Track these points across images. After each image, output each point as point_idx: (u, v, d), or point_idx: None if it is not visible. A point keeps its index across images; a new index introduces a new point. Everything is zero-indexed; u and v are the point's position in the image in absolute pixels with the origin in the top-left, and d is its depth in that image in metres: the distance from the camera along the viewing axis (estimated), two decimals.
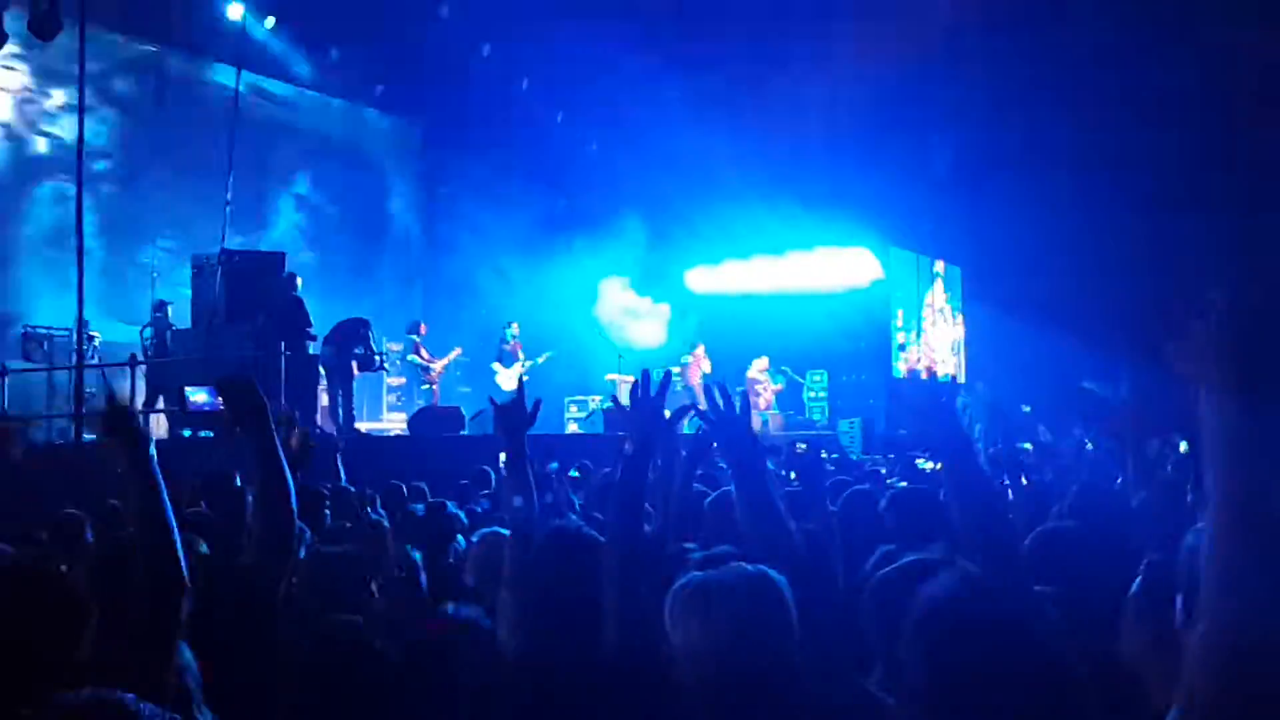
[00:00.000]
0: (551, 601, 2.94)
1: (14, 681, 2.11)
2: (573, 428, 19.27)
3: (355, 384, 14.64)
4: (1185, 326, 1.64)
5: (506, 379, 18.32)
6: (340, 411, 14.04)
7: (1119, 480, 6.78)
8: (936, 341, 24.98)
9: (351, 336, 14.46)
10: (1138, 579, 2.47)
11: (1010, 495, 6.31)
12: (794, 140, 21.18)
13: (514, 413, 3.63)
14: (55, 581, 2.34)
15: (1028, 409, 18.29)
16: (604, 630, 2.61)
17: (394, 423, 18.40)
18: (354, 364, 14.39)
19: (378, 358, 14.96)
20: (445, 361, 18.27)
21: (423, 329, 18.06)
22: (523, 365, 18.54)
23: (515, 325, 18.92)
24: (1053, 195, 22.24)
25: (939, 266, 25.46)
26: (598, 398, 20.00)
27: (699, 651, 2.23)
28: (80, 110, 12.61)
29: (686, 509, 4.46)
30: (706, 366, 20.71)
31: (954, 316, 25.90)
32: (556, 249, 21.00)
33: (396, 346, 18.24)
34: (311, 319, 13.67)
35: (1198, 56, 19.51)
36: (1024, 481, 7.33)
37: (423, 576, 4.16)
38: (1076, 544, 3.28)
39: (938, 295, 25.48)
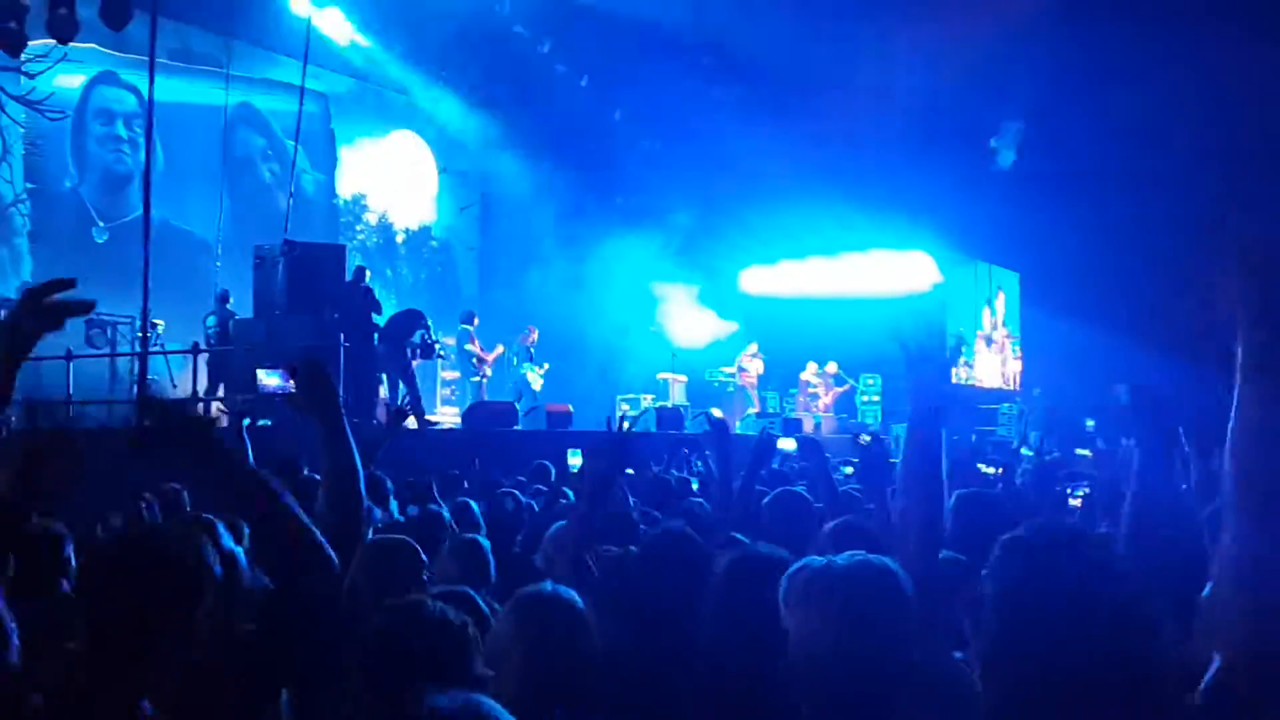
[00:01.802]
0: (653, 598, 3.00)
1: (133, 647, 2.18)
2: (625, 426, 19.25)
3: (413, 376, 14.86)
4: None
5: (534, 380, 18.66)
6: (407, 402, 14.29)
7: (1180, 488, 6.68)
8: (985, 370, 24.85)
9: (406, 328, 14.65)
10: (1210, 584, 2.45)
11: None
12: (854, 141, 21.11)
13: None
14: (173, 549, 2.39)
15: (1091, 423, 18.03)
16: (703, 629, 2.62)
17: (447, 416, 18.51)
18: (409, 353, 14.58)
19: (436, 345, 15.18)
20: (494, 356, 18.38)
21: (475, 320, 18.17)
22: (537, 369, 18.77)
23: (534, 332, 19.08)
24: (1115, 201, 22.02)
25: (999, 298, 25.35)
26: (649, 396, 20.03)
27: (814, 639, 2.19)
28: (150, 100, 12.80)
29: (747, 507, 4.47)
30: (760, 366, 20.73)
31: (1014, 350, 25.73)
32: (610, 246, 21.04)
33: (450, 340, 18.38)
34: (382, 308, 13.91)
35: (1266, 64, 19.24)
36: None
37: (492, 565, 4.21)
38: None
39: (997, 321, 25.34)
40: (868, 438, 5.55)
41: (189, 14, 16.58)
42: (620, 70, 21.13)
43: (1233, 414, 1.79)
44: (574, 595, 2.88)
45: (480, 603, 2.96)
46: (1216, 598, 1.75)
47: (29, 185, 16.74)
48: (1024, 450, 13.92)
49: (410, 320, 14.84)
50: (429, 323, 14.99)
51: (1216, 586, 1.76)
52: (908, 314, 21.79)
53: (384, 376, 14.62)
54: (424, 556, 3.99)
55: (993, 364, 25.23)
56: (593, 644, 2.77)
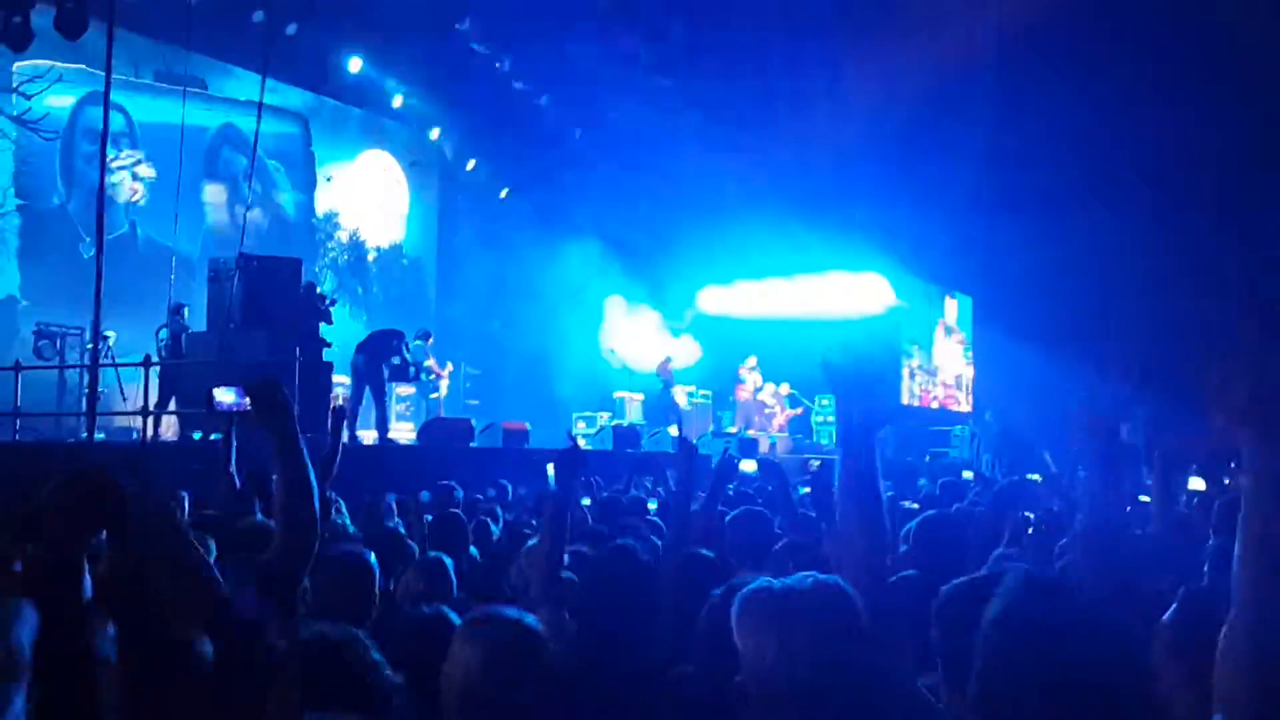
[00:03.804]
0: (608, 616, 2.98)
1: None
2: (580, 444, 19.25)
3: (385, 393, 14.88)
4: (1220, 378, 1.77)
5: (681, 397, 19.92)
6: (372, 419, 14.33)
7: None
8: (946, 372, 25.11)
9: (384, 347, 14.65)
10: (1172, 608, 2.46)
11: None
12: (810, 164, 21.26)
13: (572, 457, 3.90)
14: None
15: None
16: (658, 644, 2.59)
17: (401, 432, 18.39)
18: (386, 372, 14.58)
19: (413, 368, 15.21)
20: (447, 372, 18.38)
21: (430, 338, 18.09)
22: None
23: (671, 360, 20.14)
24: (1064, 224, 22.29)
25: (950, 306, 25.64)
26: (606, 414, 20.03)
27: (772, 663, 2.13)
28: (105, 109, 12.67)
29: (710, 527, 4.47)
30: (758, 379, 20.84)
31: (965, 355, 26.02)
32: (569, 264, 21.05)
33: (437, 365, 18.31)
34: (332, 320, 13.87)
35: (1213, 85, 19.61)
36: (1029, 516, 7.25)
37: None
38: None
39: (951, 326, 25.62)
40: (817, 463, 5.61)
41: (168, 35, 16.57)
42: (579, 90, 21.17)
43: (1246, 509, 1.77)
44: (531, 618, 2.84)
45: (454, 619, 2.91)
46: (1224, 660, 1.76)
47: (19, 202, 17.09)
48: (965, 474, 14.01)
49: (389, 340, 14.88)
50: (407, 344, 15.05)
51: (1224, 652, 1.76)
52: (849, 331, 21.97)
53: (351, 388, 14.66)
54: (377, 573, 4.00)
55: (951, 369, 25.51)
56: (552, 669, 2.73)
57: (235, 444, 6.34)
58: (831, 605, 2.18)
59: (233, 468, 6.20)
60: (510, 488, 8.54)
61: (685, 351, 22.59)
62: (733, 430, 19.90)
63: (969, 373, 26.13)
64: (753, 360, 20.92)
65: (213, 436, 11.83)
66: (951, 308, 25.70)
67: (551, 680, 2.67)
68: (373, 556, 4.03)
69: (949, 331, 25.56)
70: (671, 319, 23.11)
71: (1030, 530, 6.10)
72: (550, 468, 3.88)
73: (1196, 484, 8.02)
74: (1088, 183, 22.17)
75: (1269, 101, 19.34)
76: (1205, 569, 3.98)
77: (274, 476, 3.11)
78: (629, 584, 3.16)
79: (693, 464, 4.76)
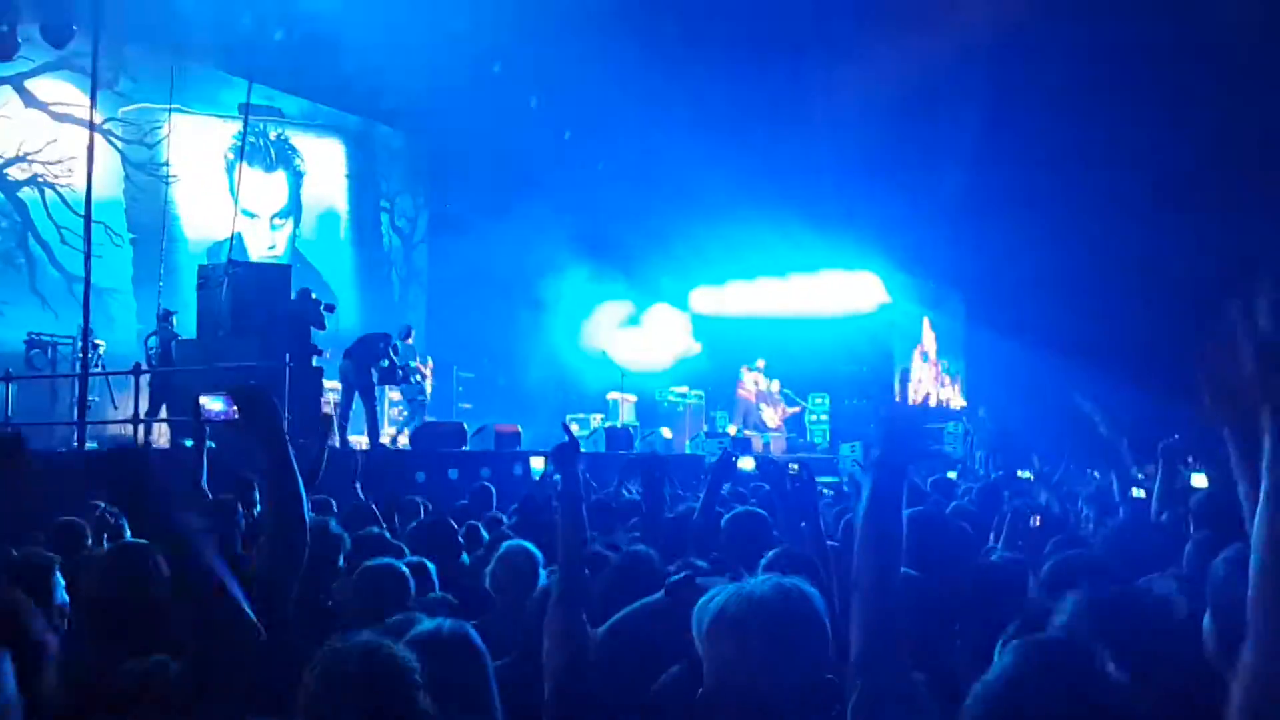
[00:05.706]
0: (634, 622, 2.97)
1: None
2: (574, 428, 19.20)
3: (375, 398, 14.82)
4: (1214, 366, 1.64)
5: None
6: (365, 424, 14.28)
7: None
8: (925, 381, 25.19)
9: (372, 350, 14.57)
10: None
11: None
12: (801, 162, 21.25)
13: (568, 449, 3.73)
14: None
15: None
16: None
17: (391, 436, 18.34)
18: (375, 375, 14.53)
19: (400, 371, 15.14)
20: (429, 369, 18.28)
21: (411, 334, 17.93)
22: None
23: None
24: (1057, 223, 22.30)
25: (929, 335, 25.68)
26: (599, 416, 19.97)
27: (732, 669, 2.10)
28: (91, 112, 12.63)
29: (706, 528, 4.46)
30: (759, 378, 20.87)
31: (953, 381, 26.02)
32: (561, 266, 21.00)
33: (423, 367, 18.25)
34: (324, 325, 13.82)
35: (1207, 85, 19.64)
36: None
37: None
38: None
39: (927, 352, 25.69)
40: (795, 467, 5.60)
41: (131, 32, 16.48)
42: (570, 90, 21.11)
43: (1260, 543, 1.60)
44: (473, 633, 2.78)
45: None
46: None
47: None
48: (949, 474, 14.04)
49: (376, 343, 14.82)
50: (394, 346, 14.99)
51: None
52: (858, 333, 21.98)
53: (341, 394, 14.61)
54: (411, 582, 3.99)
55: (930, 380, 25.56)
56: (490, 683, 2.69)
57: (206, 456, 6.27)
58: (791, 606, 2.13)
59: (204, 481, 6.11)
60: (494, 491, 8.46)
61: (667, 336, 22.60)
62: (732, 430, 19.88)
63: (945, 393, 26.14)
64: (761, 363, 20.96)
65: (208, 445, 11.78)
66: (929, 336, 25.69)
67: (490, 693, 2.64)
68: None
69: (924, 357, 25.58)
70: (640, 308, 23.10)
71: (1031, 525, 6.09)
72: (535, 461, 3.86)
73: (1199, 481, 7.98)
74: (1081, 181, 22.17)
75: (1263, 102, 19.36)
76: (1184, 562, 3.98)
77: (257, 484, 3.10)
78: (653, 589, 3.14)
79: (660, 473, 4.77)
